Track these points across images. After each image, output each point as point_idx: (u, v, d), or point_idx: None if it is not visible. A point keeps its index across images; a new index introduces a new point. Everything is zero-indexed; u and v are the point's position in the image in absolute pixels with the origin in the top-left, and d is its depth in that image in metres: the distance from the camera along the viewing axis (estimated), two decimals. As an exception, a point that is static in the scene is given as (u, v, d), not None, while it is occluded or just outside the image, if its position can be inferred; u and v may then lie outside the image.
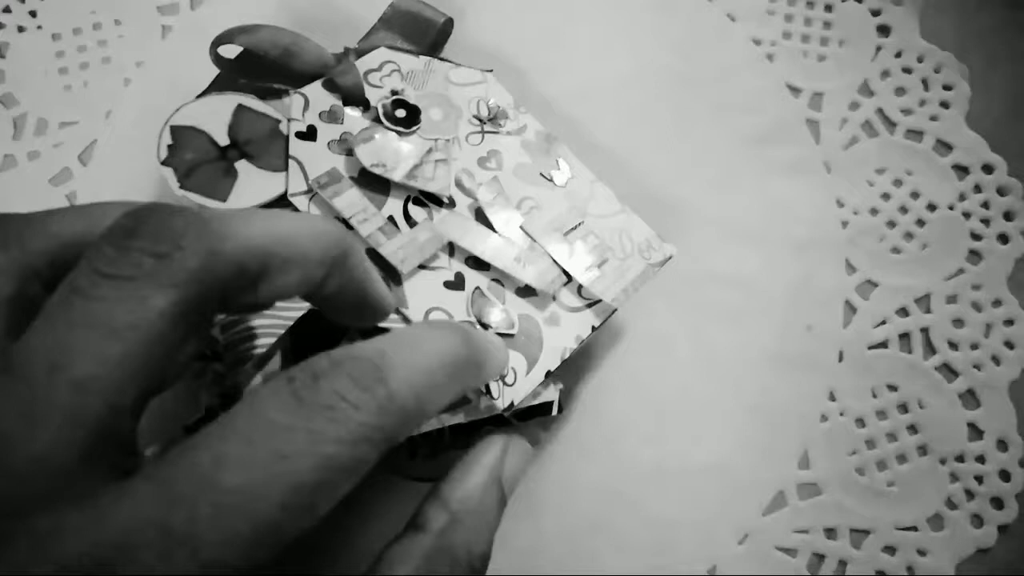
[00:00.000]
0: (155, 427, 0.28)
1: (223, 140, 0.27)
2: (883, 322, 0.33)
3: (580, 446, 0.31)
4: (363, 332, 0.25)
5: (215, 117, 0.28)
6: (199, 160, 0.27)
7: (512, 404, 0.25)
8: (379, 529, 0.29)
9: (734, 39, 0.36)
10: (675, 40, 0.36)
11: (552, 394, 0.26)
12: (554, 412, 0.27)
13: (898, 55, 0.36)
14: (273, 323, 0.26)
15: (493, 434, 0.23)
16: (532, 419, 0.26)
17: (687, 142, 0.35)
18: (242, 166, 0.27)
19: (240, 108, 0.28)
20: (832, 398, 0.32)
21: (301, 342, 0.26)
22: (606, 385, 0.31)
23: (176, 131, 0.27)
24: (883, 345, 0.33)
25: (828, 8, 0.37)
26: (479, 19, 0.36)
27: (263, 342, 0.26)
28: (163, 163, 0.27)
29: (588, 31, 0.37)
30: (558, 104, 0.35)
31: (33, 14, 0.36)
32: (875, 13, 0.37)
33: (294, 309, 0.26)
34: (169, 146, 0.27)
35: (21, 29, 0.36)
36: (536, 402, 0.26)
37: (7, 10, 0.36)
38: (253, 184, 0.27)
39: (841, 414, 0.32)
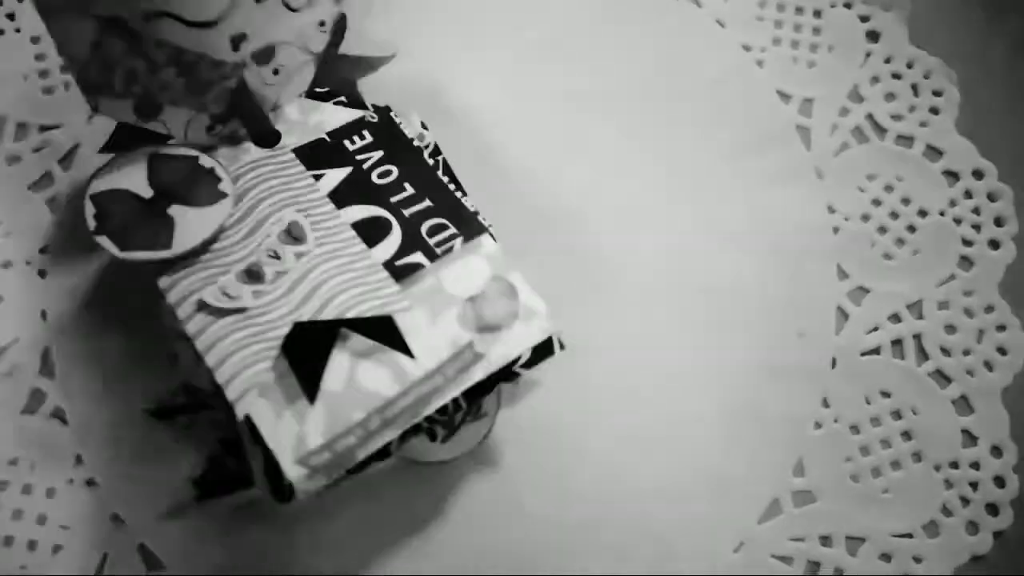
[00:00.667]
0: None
1: (147, 192, 0.27)
2: (875, 328, 0.33)
3: (573, 455, 0.30)
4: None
5: (131, 173, 0.28)
6: (129, 219, 0.27)
7: (519, 357, 0.26)
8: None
9: (724, 45, 0.36)
10: (664, 46, 0.36)
11: (552, 327, 0.26)
12: (556, 349, 0.27)
13: (887, 61, 0.37)
14: (262, 346, 0.25)
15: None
16: (539, 363, 0.27)
17: (677, 149, 0.35)
18: (175, 210, 0.27)
19: (154, 157, 0.28)
20: (826, 405, 0.32)
21: (297, 356, 0.25)
22: (600, 394, 0.31)
23: (97, 199, 0.27)
24: (876, 351, 0.32)
25: (817, 14, 0.37)
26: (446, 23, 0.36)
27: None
28: (95, 233, 0.26)
29: (575, 39, 0.36)
30: (547, 114, 0.35)
31: (11, 16, 0.35)
32: (864, 19, 0.37)
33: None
34: (95, 215, 0.27)
35: (1, 32, 0.35)
36: (538, 342, 0.26)
37: (-14, 13, 0.35)
38: (192, 224, 0.27)
39: (835, 421, 0.31)
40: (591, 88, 0.36)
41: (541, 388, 0.31)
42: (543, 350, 0.27)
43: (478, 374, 0.25)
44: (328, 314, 0.26)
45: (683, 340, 0.32)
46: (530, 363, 0.26)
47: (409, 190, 0.28)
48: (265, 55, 0.30)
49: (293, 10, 0.30)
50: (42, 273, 0.32)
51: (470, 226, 0.28)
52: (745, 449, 0.31)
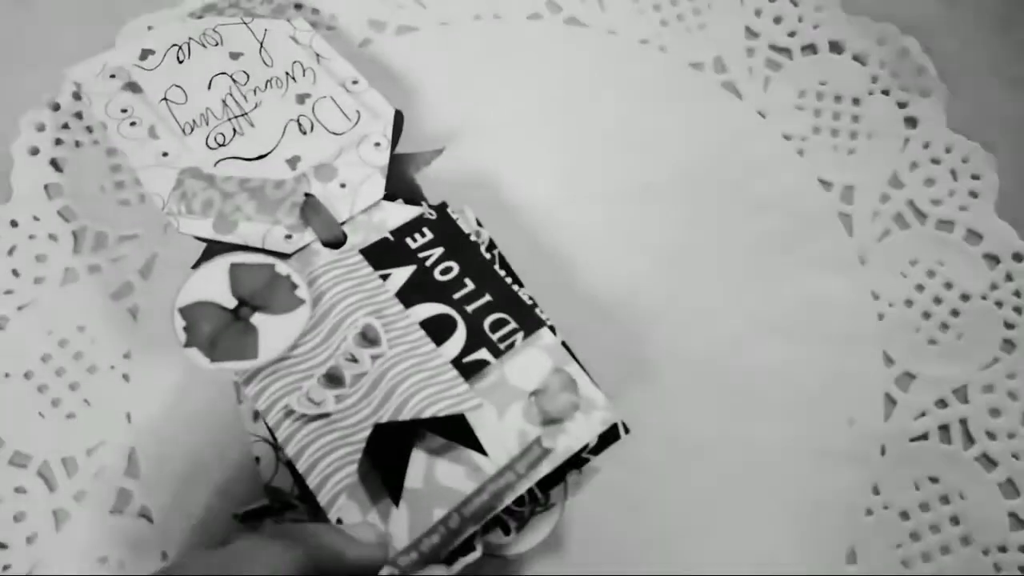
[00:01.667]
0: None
1: (230, 303, 0.29)
2: (923, 414, 0.34)
3: (630, 546, 0.32)
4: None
5: (214, 284, 0.29)
6: (217, 330, 0.28)
7: (587, 445, 0.27)
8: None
9: (765, 135, 0.38)
10: (708, 138, 0.38)
11: (613, 416, 0.28)
12: (622, 434, 0.28)
13: (926, 146, 0.38)
14: (347, 450, 0.27)
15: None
16: (606, 448, 0.28)
17: (724, 238, 0.36)
18: (257, 319, 0.29)
19: (233, 267, 0.29)
20: (876, 492, 0.33)
21: (379, 458, 0.27)
22: (653, 485, 0.32)
23: (185, 312, 0.28)
24: (923, 437, 0.33)
25: (856, 102, 0.38)
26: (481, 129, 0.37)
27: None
28: (185, 346, 0.28)
29: (620, 133, 0.38)
30: (596, 206, 0.36)
31: (89, 130, 0.37)
32: (902, 105, 0.38)
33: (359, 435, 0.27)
34: (184, 328, 0.28)
35: (78, 144, 0.37)
36: (604, 429, 0.28)
37: (65, 126, 0.37)
38: (275, 332, 0.28)
39: (885, 507, 0.32)
40: (638, 180, 0.37)
41: (600, 481, 0.32)
42: (610, 436, 0.28)
43: (546, 468, 0.27)
44: (406, 415, 0.27)
45: (734, 428, 0.33)
46: (598, 449, 0.28)
47: (470, 286, 0.30)
48: (326, 172, 0.32)
49: (336, 135, 0.33)
50: (126, 377, 0.34)
51: (530, 320, 0.29)
52: (799, 537, 0.32)
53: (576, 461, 0.28)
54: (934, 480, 0.33)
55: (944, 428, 0.34)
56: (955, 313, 0.35)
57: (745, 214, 0.36)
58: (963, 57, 0.39)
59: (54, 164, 0.37)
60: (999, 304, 0.35)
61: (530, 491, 0.28)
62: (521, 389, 0.28)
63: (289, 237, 0.30)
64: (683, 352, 0.34)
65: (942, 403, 0.34)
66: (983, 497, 0.33)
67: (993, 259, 0.36)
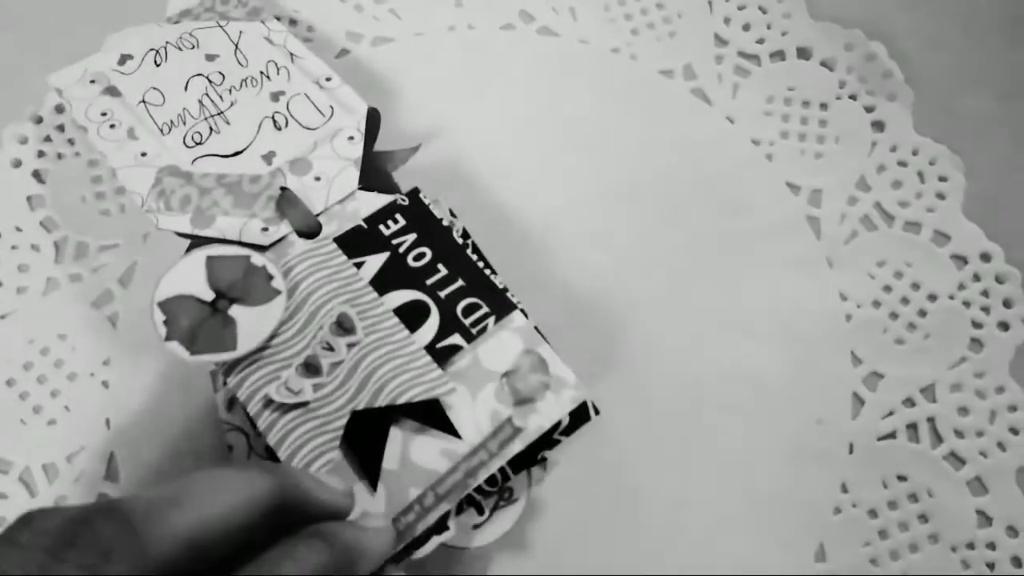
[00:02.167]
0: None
1: (208, 295, 0.29)
2: (890, 413, 0.34)
3: (595, 543, 0.32)
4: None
5: (191, 278, 0.30)
6: (196, 323, 0.29)
7: (560, 424, 0.28)
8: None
9: (734, 141, 0.38)
10: (676, 144, 0.38)
11: (583, 395, 0.28)
12: (592, 415, 0.29)
13: (893, 149, 0.38)
14: (326, 437, 0.27)
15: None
16: (577, 428, 0.29)
17: (693, 242, 0.37)
18: (236, 311, 0.29)
19: (209, 260, 0.30)
20: (845, 490, 0.33)
21: (357, 444, 0.27)
22: (620, 485, 0.33)
23: (164, 306, 0.29)
24: (891, 436, 0.34)
25: (823, 106, 0.39)
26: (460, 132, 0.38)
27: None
28: (166, 339, 0.28)
29: (591, 136, 0.39)
30: (567, 205, 0.37)
31: (71, 142, 0.38)
32: (869, 109, 0.39)
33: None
34: (164, 322, 0.29)
35: (60, 156, 0.38)
36: (574, 407, 0.28)
37: (48, 139, 0.38)
38: (252, 323, 0.29)
39: (854, 506, 0.33)
40: (609, 185, 0.38)
41: (566, 477, 0.33)
42: (581, 416, 0.29)
43: (518, 446, 0.28)
44: (382, 401, 0.28)
45: (703, 427, 0.34)
46: (569, 429, 0.29)
47: (443, 271, 0.31)
48: (301, 166, 0.33)
49: (311, 130, 0.34)
50: (105, 384, 0.34)
51: (501, 304, 0.30)
52: (767, 536, 0.32)
53: (548, 442, 0.28)
54: (902, 478, 0.33)
55: (912, 427, 0.34)
56: (922, 313, 0.36)
57: (714, 218, 0.37)
58: (928, 61, 0.40)
59: (36, 176, 0.38)
60: (967, 304, 0.36)
61: (502, 471, 0.28)
62: (494, 371, 0.29)
63: (266, 230, 0.31)
64: (651, 353, 0.35)
65: (910, 402, 0.34)
66: (951, 495, 0.33)
67: (961, 260, 0.36)
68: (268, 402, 0.28)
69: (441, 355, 0.29)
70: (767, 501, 0.33)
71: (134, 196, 0.32)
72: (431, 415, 0.28)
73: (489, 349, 0.29)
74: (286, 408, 0.28)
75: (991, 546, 0.32)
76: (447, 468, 0.27)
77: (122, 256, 0.36)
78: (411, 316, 0.30)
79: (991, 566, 0.32)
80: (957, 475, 0.33)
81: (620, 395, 0.34)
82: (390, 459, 0.27)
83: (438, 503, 0.27)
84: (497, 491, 0.30)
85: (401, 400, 0.28)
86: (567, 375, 0.29)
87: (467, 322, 0.29)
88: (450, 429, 0.28)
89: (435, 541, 0.27)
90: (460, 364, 0.29)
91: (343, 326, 0.29)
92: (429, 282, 0.30)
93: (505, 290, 0.30)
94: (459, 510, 0.28)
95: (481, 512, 0.30)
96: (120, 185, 0.37)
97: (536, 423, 0.28)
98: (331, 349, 0.29)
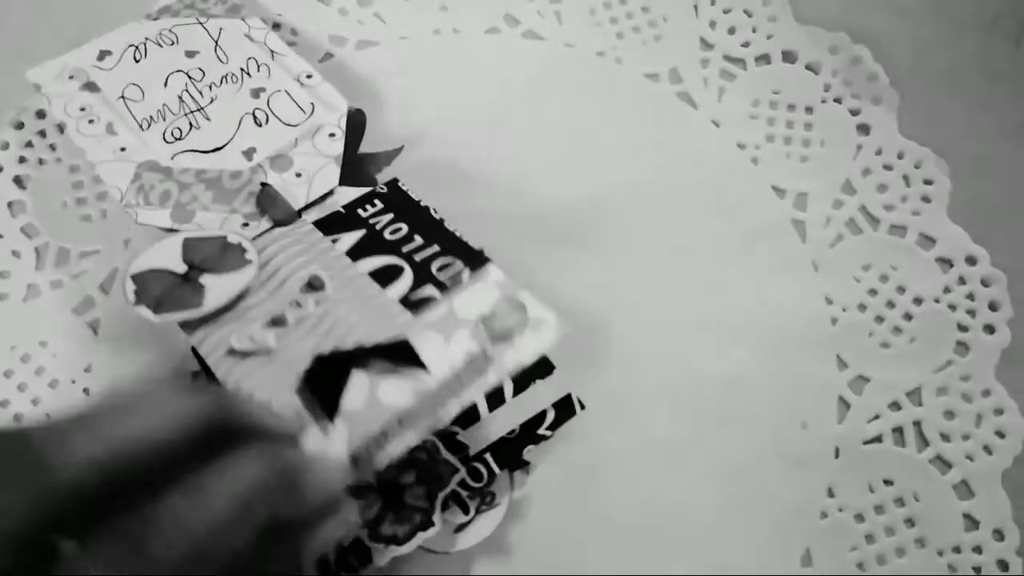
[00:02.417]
0: None
1: (181, 268, 0.29)
2: (876, 417, 0.34)
3: (578, 547, 0.32)
4: None
5: (166, 255, 0.29)
6: (165, 291, 0.29)
7: (545, 416, 0.29)
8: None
9: (720, 144, 0.38)
10: (663, 146, 0.38)
11: (562, 330, 0.27)
12: (578, 409, 0.29)
13: (878, 153, 0.38)
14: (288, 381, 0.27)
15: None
16: (563, 423, 0.29)
17: (678, 246, 0.36)
18: (207, 279, 0.29)
19: (187, 240, 0.30)
20: (831, 494, 0.33)
21: (318, 385, 0.26)
22: (605, 489, 0.33)
23: (136, 278, 0.29)
24: (877, 439, 0.34)
25: (809, 110, 0.39)
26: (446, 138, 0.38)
27: None
28: (134, 305, 0.28)
29: (577, 140, 0.38)
30: (554, 211, 0.37)
31: (53, 148, 0.38)
32: (854, 113, 0.39)
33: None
34: (135, 292, 0.28)
35: (41, 162, 0.38)
36: (552, 343, 0.27)
37: (29, 144, 0.38)
38: (222, 288, 0.29)
39: (840, 510, 0.33)
40: (595, 188, 0.37)
41: (548, 481, 0.32)
42: (566, 410, 0.28)
43: (492, 378, 0.26)
44: (348, 344, 0.27)
45: (688, 432, 0.34)
46: (555, 424, 0.28)
47: (419, 240, 0.30)
48: (282, 163, 0.33)
49: (291, 126, 0.34)
50: (87, 391, 0.34)
51: (476, 258, 0.29)
52: (754, 540, 0.32)
53: (534, 438, 0.28)
54: (888, 482, 0.33)
55: (898, 430, 0.34)
56: (908, 317, 0.36)
57: (700, 221, 0.37)
58: (913, 64, 0.40)
59: (17, 182, 0.38)
60: (952, 307, 0.36)
61: (487, 468, 0.28)
62: (469, 319, 0.27)
63: (246, 225, 0.31)
64: (637, 357, 0.35)
65: (896, 406, 0.34)
66: (937, 499, 0.33)
67: (946, 263, 0.36)
68: (231, 351, 0.27)
69: (415, 307, 0.27)
70: (753, 505, 0.32)
71: (113, 191, 0.32)
72: (400, 354, 0.26)
73: (465, 299, 0.28)
74: (247, 356, 0.27)
75: (977, 550, 0.32)
76: (414, 402, 0.25)
77: (103, 262, 0.36)
78: (384, 277, 0.29)
79: (977, 570, 0.32)
80: (943, 479, 0.33)
81: (604, 399, 0.33)
82: (355, 400, 0.26)
83: (402, 432, 0.25)
84: (479, 493, 0.29)
85: (369, 342, 0.26)
86: (547, 315, 0.27)
87: (442, 277, 0.28)
88: (418, 363, 0.26)
89: (419, 537, 0.27)
90: (434, 314, 0.27)
91: (313, 285, 0.29)
92: (405, 249, 0.29)
93: (482, 251, 0.29)
94: (444, 507, 0.27)
95: (467, 511, 0.30)
96: (101, 191, 0.37)
97: (513, 358, 0.26)
98: (299, 306, 0.28)
